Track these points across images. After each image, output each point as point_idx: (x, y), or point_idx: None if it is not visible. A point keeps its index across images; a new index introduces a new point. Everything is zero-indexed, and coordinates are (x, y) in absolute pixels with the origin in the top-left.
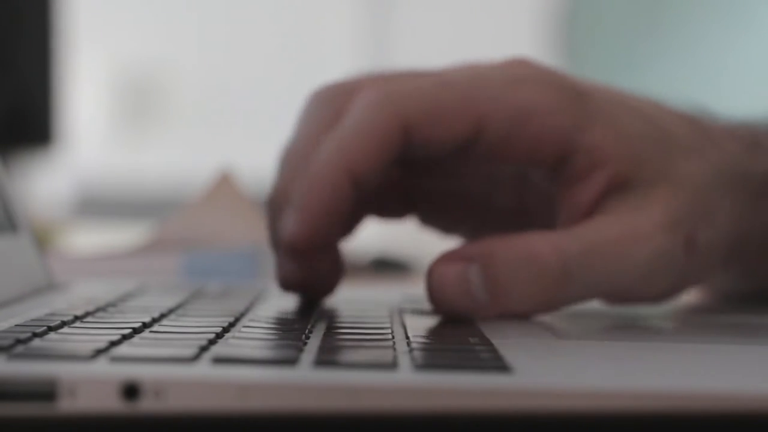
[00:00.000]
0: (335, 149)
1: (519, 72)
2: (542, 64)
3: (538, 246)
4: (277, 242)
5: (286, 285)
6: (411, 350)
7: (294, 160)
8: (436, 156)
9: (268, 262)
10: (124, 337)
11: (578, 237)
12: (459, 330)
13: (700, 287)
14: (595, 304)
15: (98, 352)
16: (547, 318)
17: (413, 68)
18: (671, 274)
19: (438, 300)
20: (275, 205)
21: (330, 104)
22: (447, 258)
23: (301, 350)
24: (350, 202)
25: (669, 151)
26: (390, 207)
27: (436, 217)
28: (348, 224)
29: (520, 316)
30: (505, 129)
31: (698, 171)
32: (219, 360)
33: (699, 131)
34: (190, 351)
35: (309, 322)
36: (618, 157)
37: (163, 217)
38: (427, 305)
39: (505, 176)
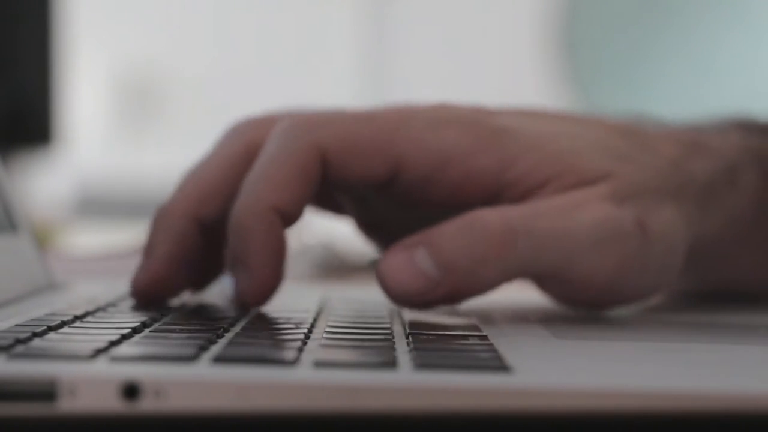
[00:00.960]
0: (258, 189)
1: (441, 114)
2: (465, 105)
3: (480, 212)
4: (150, 252)
5: (145, 293)
6: (411, 350)
7: (192, 180)
8: (353, 190)
9: None
10: (124, 337)
11: (521, 205)
12: (459, 330)
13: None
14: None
15: (98, 352)
16: (546, 318)
17: (335, 108)
18: (624, 248)
19: (392, 290)
20: (162, 217)
21: (242, 135)
22: (391, 251)
23: (301, 350)
24: (283, 234)
25: (605, 160)
26: (324, 206)
27: (365, 232)
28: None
29: (479, 291)
30: (425, 172)
31: (636, 175)
32: (219, 360)
33: (633, 140)
34: (190, 351)
35: (309, 322)
36: (552, 176)
37: None
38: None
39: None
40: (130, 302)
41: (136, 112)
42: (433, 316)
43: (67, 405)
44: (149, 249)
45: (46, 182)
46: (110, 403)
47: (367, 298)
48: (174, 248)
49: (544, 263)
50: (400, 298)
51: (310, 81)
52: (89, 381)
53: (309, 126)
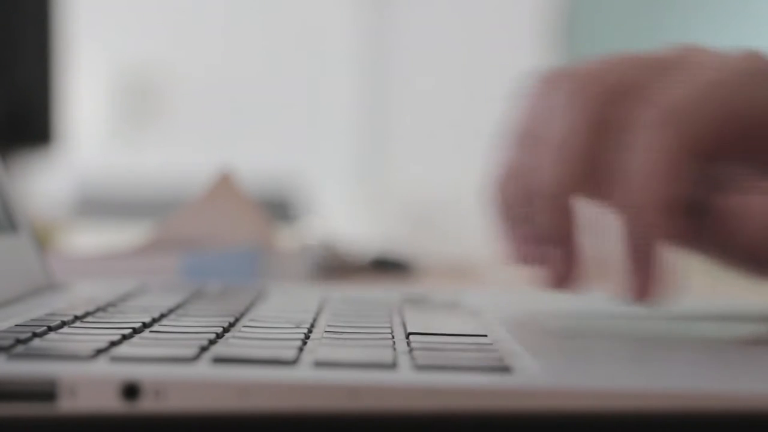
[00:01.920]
0: (652, 186)
1: (755, 66)
2: (707, 50)
3: None
4: (507, 215)
5: (524, 261)
6: (411, 350)
7: (528, 139)
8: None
9: (268, 262)
10: (124, 337)
11: None
12: (459, 330)
13: None
14: (594, 305)
15: (98, 352)
16: (547, 318)
17: (631, 55)
18: None
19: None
20: (509, 181)
21: (594, 107)
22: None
23: (301, 350)
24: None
25: None
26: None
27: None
28: None
29: None
30: (764, 128)
31: None
32: (219, 360)
33: None
34: (190, 351)
35: (309, 322)
36: None
37: (163, 217)
38: (426, 305)
39: None
40: (130, 302)
41: (136, 112)
42: (433, 317)
43: (67, 405)
44: (558, 235)
45: (46, 182)
46: (110, 403)
47: (367, 298)
48: (577, 231)
49: None
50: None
51: (309, 81)
52: (89, 381)
53: (679, 119)
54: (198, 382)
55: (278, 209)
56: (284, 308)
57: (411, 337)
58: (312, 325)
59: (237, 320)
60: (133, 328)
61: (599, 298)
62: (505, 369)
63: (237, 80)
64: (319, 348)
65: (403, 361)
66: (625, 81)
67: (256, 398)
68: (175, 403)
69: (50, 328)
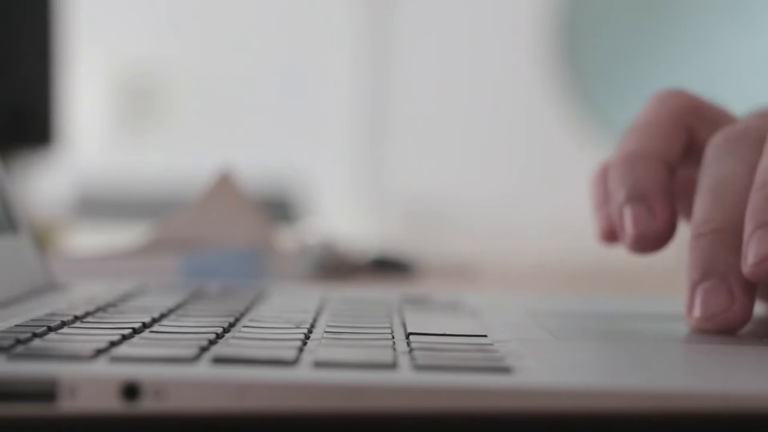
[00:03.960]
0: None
1: None
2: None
3: None
4: (650, 196)
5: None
6: (411, 350)
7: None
8: None
9: (268, 262)
10: (124, 337)
11: None
12: (459, 330)
13: None
14: (594, 305)
15: (98, 352)
16: (546, 318)
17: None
18: None
19: None
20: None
21: (680, 120)
22: None
23: (301, 350)
24: None
25: None
26: None
27: None
28: None
29: None
30: None
31: None
32: (219, 360)
33: None
34: (190, 351)
35: (309, 322)
36: None
37: (163, 217)
38: (426, 305)
39: None
40: (130, 302)
41: (136, 112)
42: (433, 317)
43: (67, 405)
44: (644, 194)
45: (46, 182)
46: (110, 403)
47: (367, 298)
48: (668, 193)
49: None
50: None
51: (310, 81)
52: (89, 381)
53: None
54: (198, 382)
55: (278, 209)
56: (284, 308)
57: (411, 337)
58: (312, 326)
59: (237, 320)
60: (133, 329)
61: (599, 299)
62: (505, 369)
63: (237, 80)
64: (318, 348)
65: (403, 361)
66: None
67: (256, 398)
68: (175, 403)
69: (50, 328)
